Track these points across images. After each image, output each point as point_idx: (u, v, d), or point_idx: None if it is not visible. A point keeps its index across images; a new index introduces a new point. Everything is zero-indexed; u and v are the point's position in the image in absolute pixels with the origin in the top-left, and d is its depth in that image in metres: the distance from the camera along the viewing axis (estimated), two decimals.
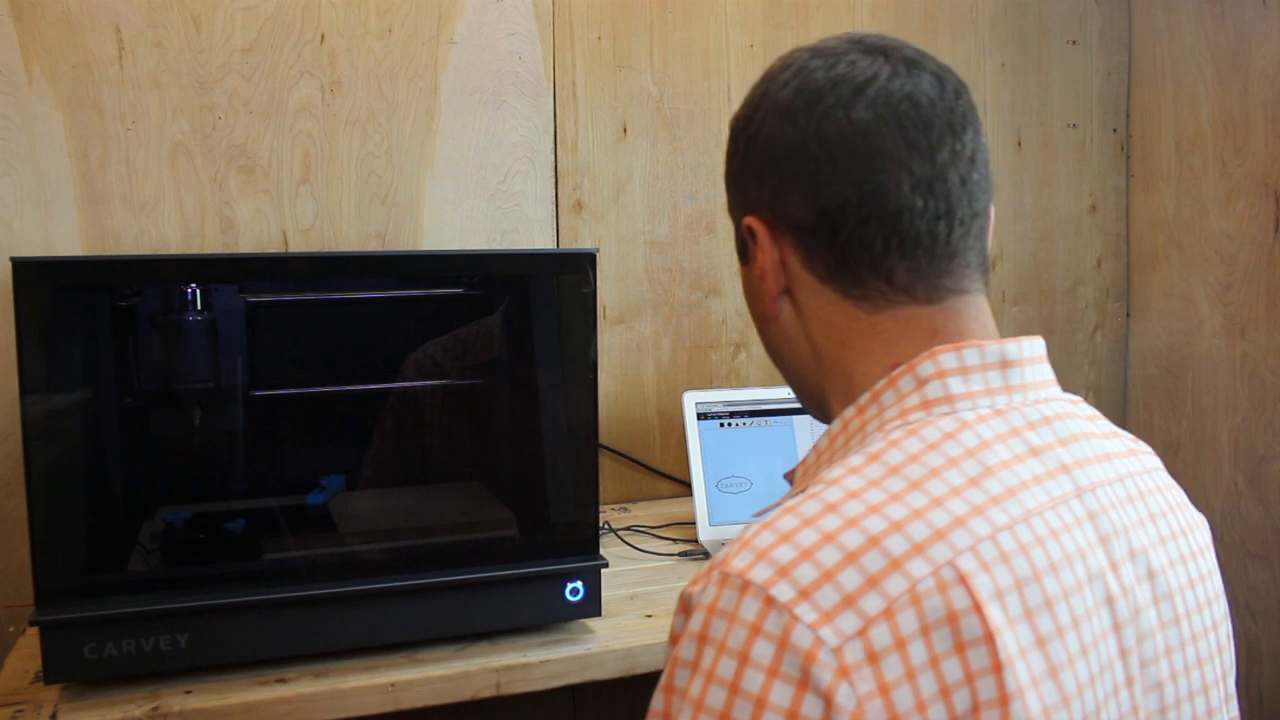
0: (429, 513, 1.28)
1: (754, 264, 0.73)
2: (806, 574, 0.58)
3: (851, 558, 0.58)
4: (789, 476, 0.75)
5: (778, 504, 0.63)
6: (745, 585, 0.58)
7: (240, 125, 1.50)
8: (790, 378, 0.77)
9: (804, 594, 0.57)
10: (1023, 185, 1.98)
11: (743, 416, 1.64)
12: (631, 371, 1.78)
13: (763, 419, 1.64)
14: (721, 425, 1.63)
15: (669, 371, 1.80)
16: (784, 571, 0.58)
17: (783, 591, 0.57)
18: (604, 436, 1.71)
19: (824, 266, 0.70)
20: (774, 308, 0.74)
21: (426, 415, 1.28)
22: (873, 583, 0.57)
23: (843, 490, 0.62)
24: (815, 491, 0.62)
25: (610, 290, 1.73)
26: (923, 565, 0.58)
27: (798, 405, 1.47)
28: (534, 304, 1.26)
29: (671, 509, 1.74)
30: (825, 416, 0.74)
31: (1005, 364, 0.69)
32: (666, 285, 1.78)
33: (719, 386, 1.80)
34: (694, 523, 1.61)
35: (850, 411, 0.69)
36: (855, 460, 0.63)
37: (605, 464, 1.72)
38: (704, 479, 1.60)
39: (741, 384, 1.82)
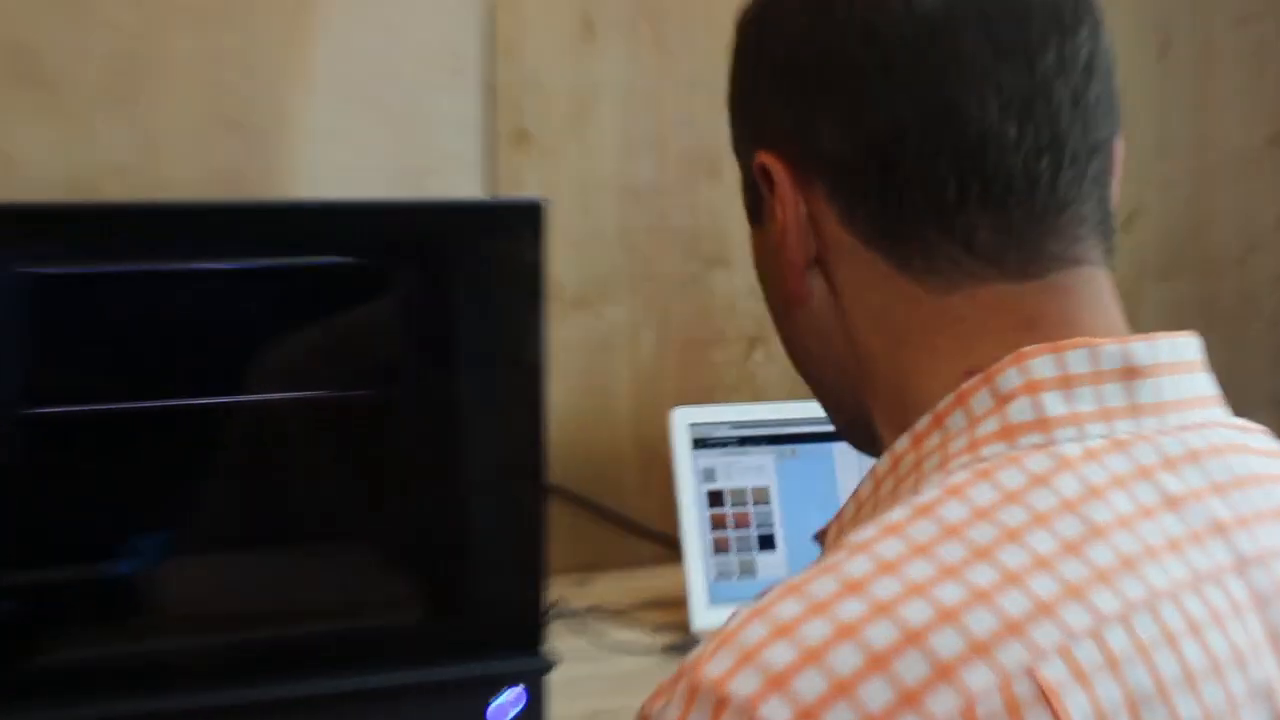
0: (293, 590, 1.31)
1: (770, 222, 0.75)
2: (810, 687, 0.58)
3: (879, 663, 0.58)
4: (819, 537, 0.76)
5: (784, 582, 0.63)
6: (721, 702, 0.59)
7: (20, 15, 1.49)
8: (821, 391, 0.79)
9: (807, 716, 0.57)
10: (1170, 108, 2.01)
11: (759, 444, 1.68)
12: (597, 379, 1.81)
13: (789, 447, 1.68)
14: (728, 457, 1.68)
15: (652, 378, 1.84)
16: (778, 682, 0.58)
17: (776, 712, 0.58)
18: (556, 475, 1.64)
19: (870, 223, 0.72)
20: (799, 285, 0.75)
21: (290, 444, 1.31)
22: (910, 700, 0.58)
23: (873, 560, 0.62)
24: (834, 562, 0.62)
25: (567, 260, 1.75)
26: (985, 675, 0.58)
27: None
28: (453, 280, 1.30)
29: (653, 582, 1.77)
30: (871, 448, 0.76)
31: (1131, 373, 0.69)
32: (649, 253, 1.82)
33: (725, 400, 1.82)
34: (684, 602, 1.62)
35: (903, 443, 0.70)
36: (897, 515, 0.64)
37: (557, 516, 1.68)
38: (701, 538, 1.63)
39: (758, 396, 1.85)
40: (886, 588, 0.61)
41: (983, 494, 0.65)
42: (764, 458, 1.69)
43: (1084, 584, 0.62)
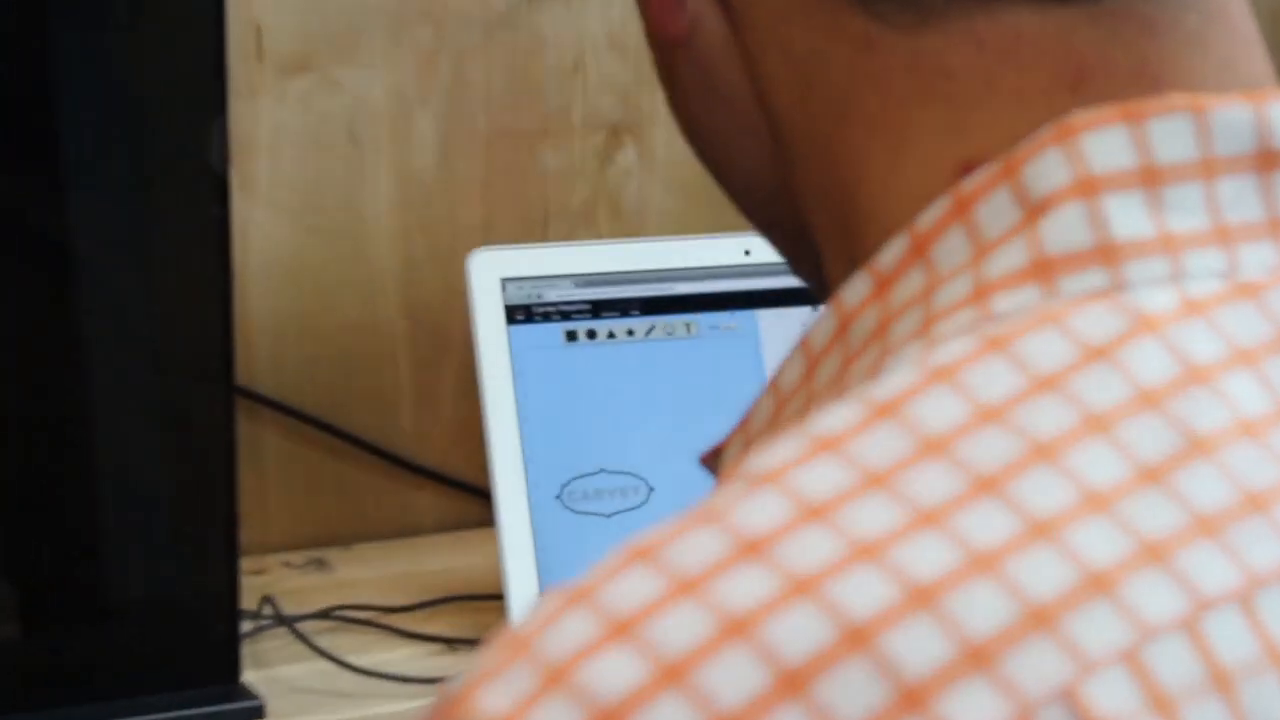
0: None
1: None
2: (665, 715, 0.50)
3: (792, 684, 0.50)
4: (710, 460, 0.69)
5: (635, 538, 0.55)
6: None
7: None
8: (735, 196, 0.72)
9: None
10: None
11: (629, 314, 1.48)
12: (334, 199, 1.62)
13: (683, 319, 1.49)
14: (573, 338, 1.48)
15: (433, 199, 1.66)
16: (610, 717, 0.51)
17: None
18: (264, 380, 1.55)
19: None
20: (670, 12, 0.68)
21: None
22: None
23: (790, 499, 0.53)
24: (721, 503, 0.54)
25: None
26: (985, 702, 0.51)
27: (784, 285, 1.48)
28: (57, 25, 1.21)
29: (446, 560, 1.59)
30: (817, 286, 0.70)
31: (1272, 159, 0.60)
32: None
33: (567, 238, 1.66)
34: (499, 595, 1.43)
35: (857, 290, 0.62)
36: (840, 418, 0.56)
37: (272, 451, 1.57)
38: (525, 479, 1.43)
39: (627, 229, 1.68)
40: (811, 548, 0.52)
41: (995, 378, 0.56)
42: (638, 341, 1.48)
43: (1172, 539, 0.54)
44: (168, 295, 1.25)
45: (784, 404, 0.65)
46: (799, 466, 0.55)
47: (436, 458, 1.65)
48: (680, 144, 0.75)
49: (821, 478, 0.54)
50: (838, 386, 0.62)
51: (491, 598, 1.45)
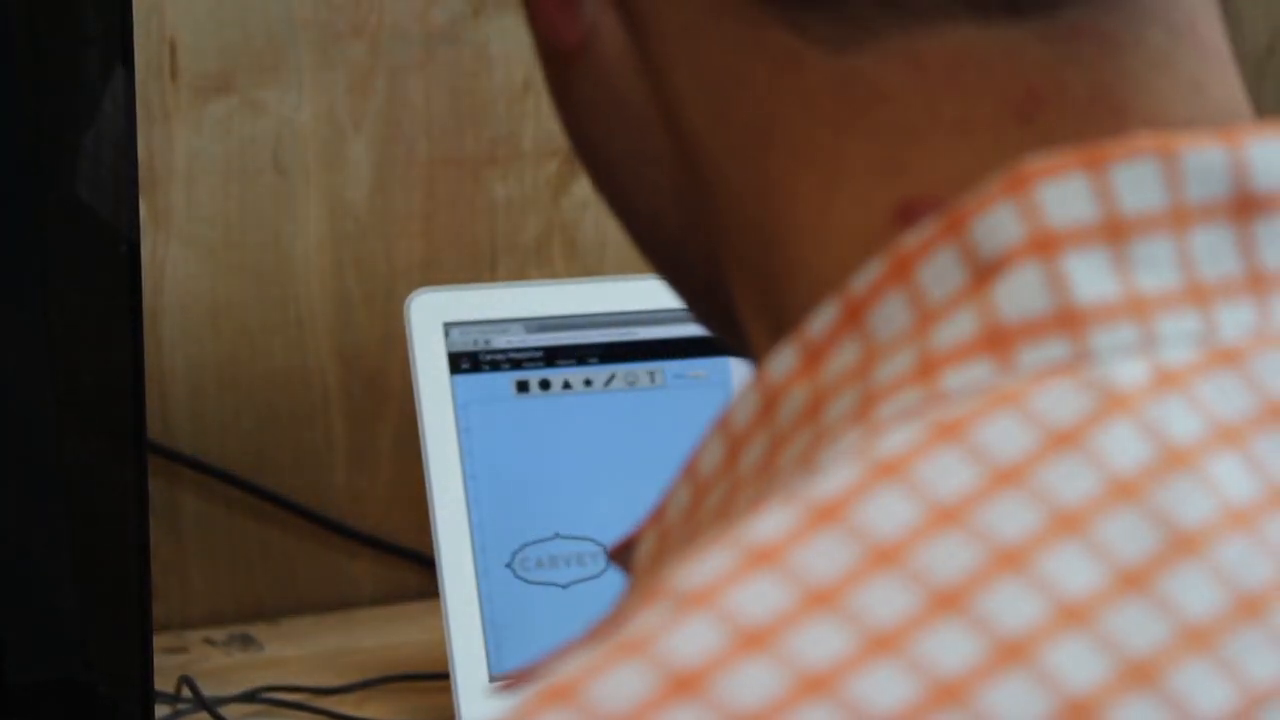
0: None
1: None
2: None
3: None
4: (618, 555, 0.61)
5: (546, 663, 0.52)
6: None
7: None
8: (630, 221, 0.64)
9: None
10: None
11: (587, 362, 1.42)
12: (257, 234, 1.55)
13: (646, 367, 1.43)
14: (525, 389, 1.41)
15: (367, 233, 1.58)
16: None
17: None
18: (182, 436, 1.50)
19: None
20: (563, 14, 0.60)
21: None
22: None
23: (724, 624, 0.49)
24: (645, 629, 0.49)
25: (200, 2, 1.51)
26: None
27: None
28: None
29: (384, 635, 1.52)
30: (731, 341, 0.65)
31: (1249, 204, 0.56)
32: None
33: (516, 277, 1.60)
34: (445, 674, 1.35)
35: (784, 363, 0.56)
36: (773, 522, 0.50)
37: (192, 514, 1.51)
38: (472, 545, 1.37)
39: (584, 268, 1.63)
40: (752, 684, 0.48)
41: (949, 472, 0.51)
42: (597, 392, 1.41)
43: (1160, 656, 0.49)
44: (69, 340, 1.21)
45: (703, 493, 0.58)
46: (732, 584, 0.50)
47: (373, 521, 1.59)
48: None
49: (759, 597, 0.50)
50: (765, 476, 0.56)
51: (436, 677, 1.38)
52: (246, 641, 1.48)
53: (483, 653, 1.35)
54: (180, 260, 1.53)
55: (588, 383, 1.42)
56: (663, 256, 0.64)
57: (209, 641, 1.47)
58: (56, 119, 1.18)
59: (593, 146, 0.63)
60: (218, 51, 1.51)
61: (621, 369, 1.44)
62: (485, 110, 1.61)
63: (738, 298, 0.61)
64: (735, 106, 0.59)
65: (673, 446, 1.21)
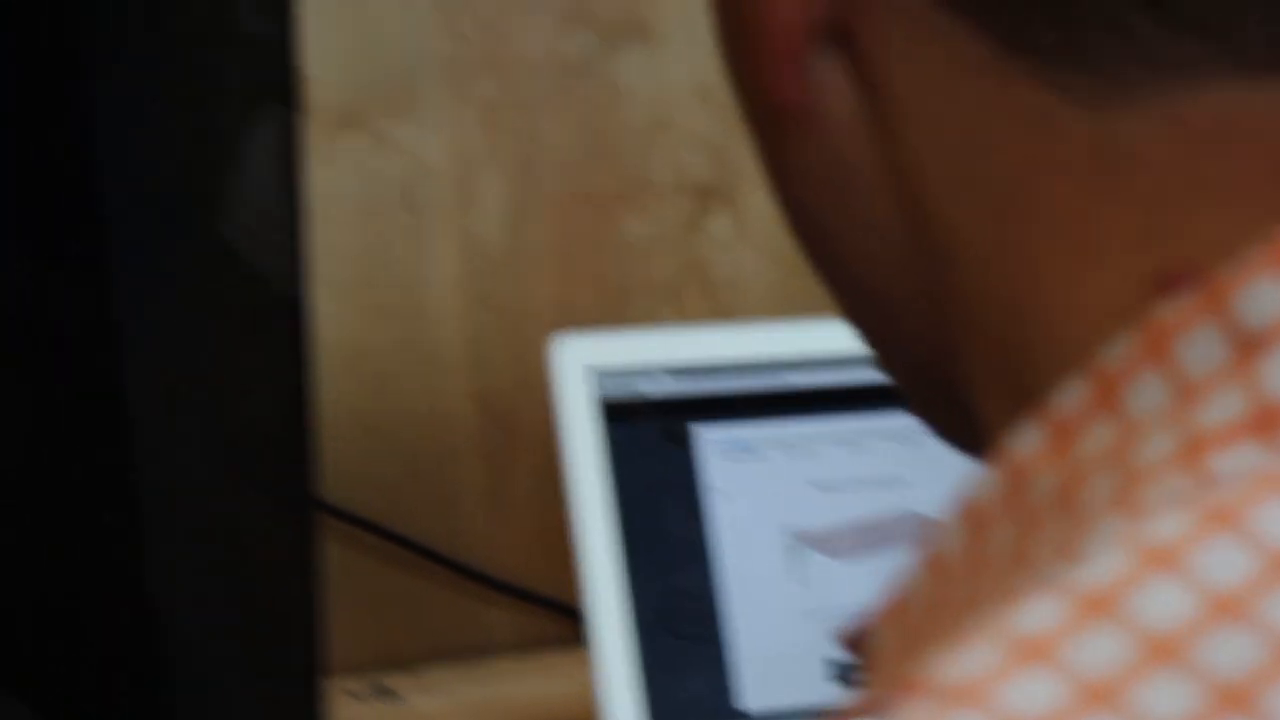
0: None
1: None
2: None
3: None
4: (852, 642, 0.62)
5: None
6: None
7: None
8: (856, 312, 0.64)
9: None
10: None
11: (757, 414, 1.37)
12: (386, 273, 1.55)
13: (827, 422, 1.38)
14: (676, 441, 1.40)
15: (504, 272, 1.58)
16: None
17: None
18: (320, 480, 1.35)
19: None
20: (789, 79, 0.58)
21: None
22: None
23: (996, 713, 0.46)
24: None
25: (328, 39, 1.48)
26: None
27: None
28: (99, 88, 1.12)
29: (529, 686, 1.51)
30: (963, 435, 0.62)
31: None
32: (491, 17, 1.55)
33: (652, 316, 1.59)
34: None
35: (1029, 441, 0.55)
36: (1048, 611, 0.48)
37: (326, 556, 1.34)
38: (627, 606, 1.34)
39: (720, 305, 1.62)
40: None
41: (1225, 561, 0.48)
42: (772, 451, 1.34)
43: None
44: (238, 393, 1.17)
45: (948, 580, 0.58)
46: (1002, 680, 0.48)
47: (510, 568, 1.58)
48: None
49: (1032, 695, 0.47)
50: (1019, 562, 0.55)
51: None
52: (385, 693, 1.48)
53: (643, 708, 1.35)
54: (314, 301, 1.60)
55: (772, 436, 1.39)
56: (880, 327, 0.64)
57: (350, 694, 1.47)
58: (218, 164, 1.13)
59: (810, 214, 0.62)
60: (348, 86, 1.52)
61: (796, 424, 1.38)
62: (617, 146, 1.61)
63: (970, 372, 0.60)
64: (980, 170, 0.58)
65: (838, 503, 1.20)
